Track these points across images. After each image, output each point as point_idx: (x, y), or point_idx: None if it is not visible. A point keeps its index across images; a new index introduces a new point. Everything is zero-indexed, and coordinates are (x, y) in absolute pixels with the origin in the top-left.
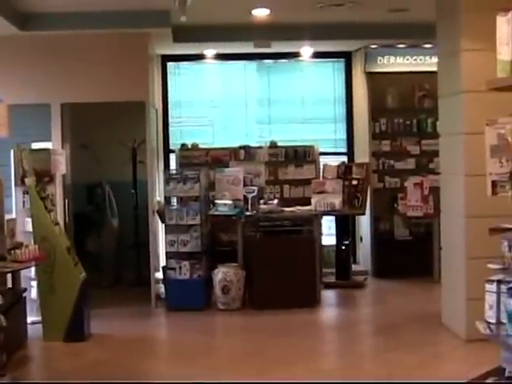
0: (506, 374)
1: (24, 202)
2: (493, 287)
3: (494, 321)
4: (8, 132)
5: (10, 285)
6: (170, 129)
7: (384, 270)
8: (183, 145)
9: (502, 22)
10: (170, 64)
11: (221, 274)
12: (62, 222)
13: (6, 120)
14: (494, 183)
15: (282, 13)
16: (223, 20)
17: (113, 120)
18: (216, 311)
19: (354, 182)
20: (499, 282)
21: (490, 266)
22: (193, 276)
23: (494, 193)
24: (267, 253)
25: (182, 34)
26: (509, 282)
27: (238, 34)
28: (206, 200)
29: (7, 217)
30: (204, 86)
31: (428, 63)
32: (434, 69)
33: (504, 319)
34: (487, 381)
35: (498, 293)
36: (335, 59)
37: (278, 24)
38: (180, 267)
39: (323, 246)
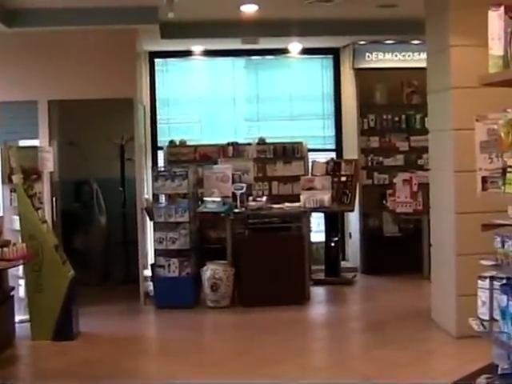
0: (499, 371)
1: (11, 199)
2: (485, 284)
3: (486, 318)
4: None
5: None
6: (158, 126)
7: (373, 266)
8: (171, 142)
9: (493, 16)
10: (157, 60)
11: (210, 271)
12: (49, 220)
13: None
14: (484, 179)
15: (271, 9)
16: (211, 16)
17: (100, 117)
18: (205, 309)
19: (343, 179)
20: (492, 278)
21: (483, 262)
22: (181, 273)
23: (484, 189)
24: (256, 250)
25: (170, 30)
26: (501, 279)
27: (226, 30)
28: (194, 197)
29: None
30: (192, 83)
31: (416, 59)
32: (423, 65)
33: (497, 316)
34: (480, 378)
35: (491, 289)
36: (323, 55)
37: (266, 20)
38: (169, 265)
39: (312, 242)
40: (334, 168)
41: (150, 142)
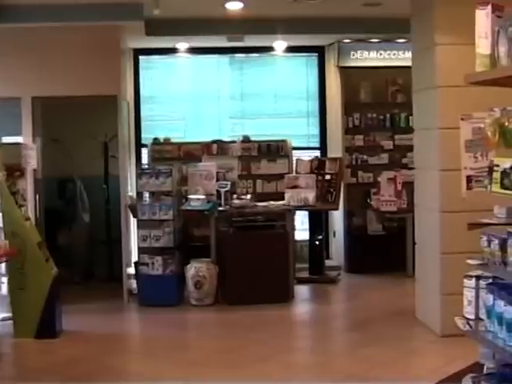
0: (485, 370)
1: None
2: (471, 283)
3: (472, 317)
4: None
5: None
6: (142, 123)
7: (357, 265)
8: (155, 139)
9: (480, 15)
10: (142, 58)
11: (193, 269)
12: (32, 217)
13: None
14: (468, 178)
15: (256, 6)
16: (196, 13)
17: (84, 114)
18: (189, 307)
19: (327, 177)
20: (478, 277)
21: (469, 261)
22: (165, 271)
23: (469, 188)
24: (240, 248)
25: (155, 27)
26: (488, 278)
27: (211, 27)
28: (178, 195)
29: None
30: (176, 80)
31: (401, 58)
32: (408, 63)
33: (483, 315)
34: (466, 377)
35: (477, 289)
36: (308, 54)
37: (251, 18)
38: (152, 262)
39: (296, 241)
40: (318, 166)
41: (133, 139)
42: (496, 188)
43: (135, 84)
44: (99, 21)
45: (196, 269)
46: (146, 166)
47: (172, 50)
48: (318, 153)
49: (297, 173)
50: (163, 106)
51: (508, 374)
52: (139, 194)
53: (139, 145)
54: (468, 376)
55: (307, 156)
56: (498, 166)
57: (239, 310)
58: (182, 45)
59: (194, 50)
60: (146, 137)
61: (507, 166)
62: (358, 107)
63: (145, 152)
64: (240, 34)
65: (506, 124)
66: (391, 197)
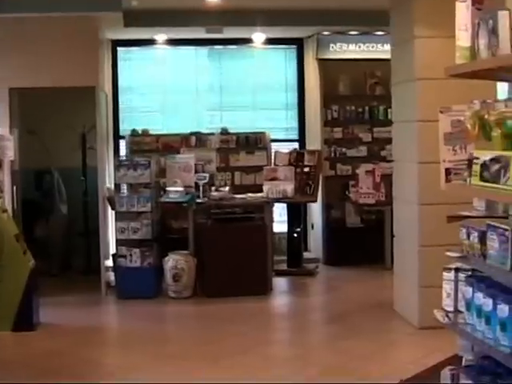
0: (464, 362)
1: None
2: (450, 275)
3: (451, 309)
4: None
5: None
6: (120, 115)
7: (335, 257)
8: (133, 131)
9: (460, 7)
10: (120, 49)
11: (172, 261)
12: (10, 209)
13: None
14: (447, 171)
15: None
16: (175, 5)
17: (62, 105)
18: (167, 299)
19: (306, 170)
20: (457, 270)
21: (449, 254)
22: (143, 264)
23: (448, 180)
24: (218, 240)
25: (133, 18)
26: (467, 271)
27: (190, 19)
28: (156, 187)
29: None
30: (155, 72)
31: (380, 50)
32: (386, 56)
33: (462, 308)
34: (445, 369)
35: (456, 281)
36: (287, 46)
37: (229, 9)
38: (130, 255)
39: (275, 233)
40: (296, 159)
41: (111, 131)
42: (475, 181)
43: (113, 75)
44: (77, 11)
45: (174, 261)
46: (124, 158)
47: (150, 42)
48: (296, 145)
49: (275, 165)
50: (141, 97)
51: (487, 367)
52: (117, 186)
53: (117, 136)
54: (447, 368)
55: (286, 148)
56: (477, 158)
57: (217, 302)
58: (161, 36)
59: (173, 42)
60: (124, 128)
61: (487, 158)
62: (336, 100)
63: (123, 144)
64: (219, 25)
65: (486, 117)
66: (369, 189)
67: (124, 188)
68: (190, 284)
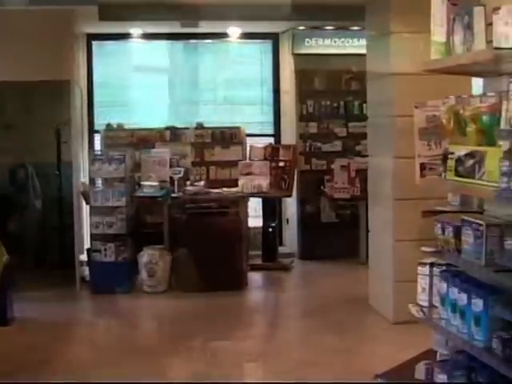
0: (438, 357)
1: None
2: (425, 270)
3: (426, 304)
4: None
5: None
6: (95, 109)
7: (310, 252)
8: (108, 125)
9: (436, 3)
10: (95, 43)
11: (146, 256)
12: None
13: None
14: (422, 166)
15: None
16: None
17: (36, 99)
18: (142, 294)
19: (281, 164)
20: (432, 265)
21: (423, 249)
22: (118, 258)
23: (423, 175)
24: (193, 235)
25: (108, 12)
26: (441, 265)
27: (165, 13)
28: (131, 181)
29: None
30: (130, 66)
31: (355, 45)
32: (362, 51)
33: (436, 302)
34: (419, 364)
35: (431, 276)
36: (263, 40)
37: (205, 4)
38: (105, 249)
39: (250, 228)
40: (272, 153)
41: (86, 125)
42: (450, 175)
43: (88, 69)
44: (52, 5)
45: (149, 256)
46: (99, 153)
47: (125, 36)
48: (271, 140)
49: (250, 160)
50: (116, 91)
51: (461, 361)
52: (92, 181)
53: (92, 131)
54: (421, 363)
55: (261, 143)
56: (452, 153)
57: (192, 297)
58: (136, 30)
59: (148, 36)
60: (99, 123)
61: (462, 153)
62: (312, 94)
63: (98, 138)
64: (194, 19)
65: (461, 112)
66: (344, 184)
67: (99, 182)
68: (164, 279)
